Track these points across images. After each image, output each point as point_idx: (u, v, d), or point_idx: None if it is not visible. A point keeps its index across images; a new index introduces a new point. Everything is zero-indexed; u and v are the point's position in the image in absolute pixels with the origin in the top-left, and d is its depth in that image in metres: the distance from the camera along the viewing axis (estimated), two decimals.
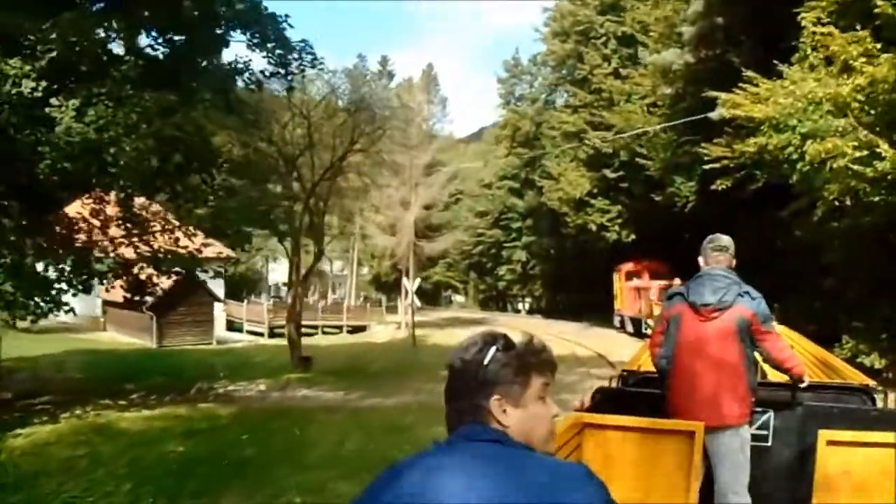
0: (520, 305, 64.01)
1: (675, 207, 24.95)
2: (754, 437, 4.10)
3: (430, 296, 77.37)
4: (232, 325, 43.00)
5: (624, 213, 33.36)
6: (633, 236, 33.58)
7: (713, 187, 21.28)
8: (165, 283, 36.59)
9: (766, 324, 4.04)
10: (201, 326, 37.20)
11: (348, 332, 44.23)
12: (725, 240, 4.25)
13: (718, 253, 4.19)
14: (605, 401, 4.49)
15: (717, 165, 20.27)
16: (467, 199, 65.23)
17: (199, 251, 16.85)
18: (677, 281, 19.30)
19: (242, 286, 67.10)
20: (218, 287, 43.08)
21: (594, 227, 34.09)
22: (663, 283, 25.28)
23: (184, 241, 16.70)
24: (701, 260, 4.24)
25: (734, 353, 3.99)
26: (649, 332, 23.11)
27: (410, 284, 28.37)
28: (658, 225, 31.80)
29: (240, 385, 17.41)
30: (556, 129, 35.82)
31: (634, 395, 4.60)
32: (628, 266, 32.40)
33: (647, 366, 4.68)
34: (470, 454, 1.46)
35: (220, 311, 43.18)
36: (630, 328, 31.15)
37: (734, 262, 4.22)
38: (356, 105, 23.83)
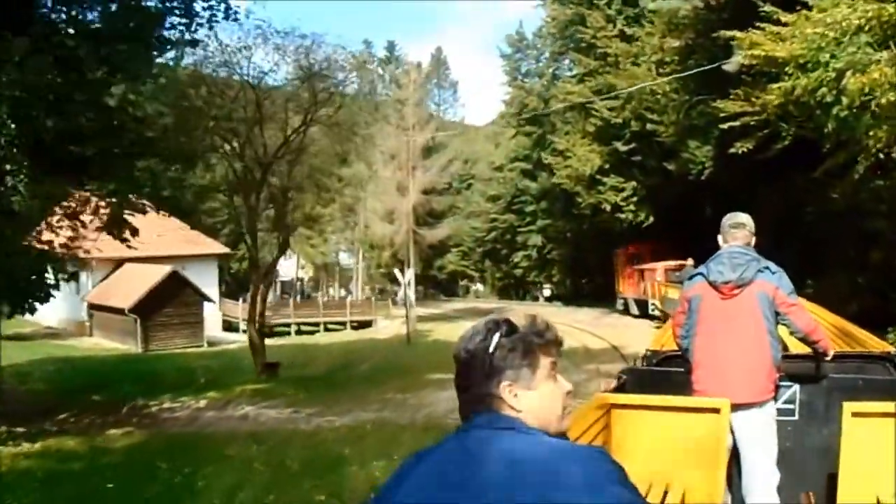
0: (543, 292, 61.17)
1: (690, 176, 22.13)
2: (780, 412, 4.14)
3: (446, 286, 74.93)
4: (230, 325, 40.81)
5: (639, 189, 30.51)
6: (651, 217, 30.73)
7: (732, 150, 18.46)
8: (149, 282, 34.83)
9: (790, 295, 4.00)
10: (190, 328, 35.01)
11: (353, 327, 41.88)
12: (743, 217, 4.23)
13: (737, 230, 4.17)
14: (631, 381, 4.57)
15: (735, 124, 17.45)
16: (479, 184, 62.59)
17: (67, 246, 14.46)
18: (690, 261, 20.09)
19: (248, 282, 65.14)
20: (212, 286, 41.02)
21: (608, 208, 31.25)
22: (672, 263, 25.06)
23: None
24: (720, 238, 4.22)
25: (757, 329, 3.99)
26: (656, 312, 24.87)
27: (404, 276, 25.76)
28: (675, 199, 29.09)
29: (180, 401, 15.00)
30: (562, 102, 32.96)
31: (660, 375, 4.65)
32: (629, 249, 32.59)
33: (672, 345, 4.72)
34: (483, 442, 1.45)
35: (214, 311, 41.08)
36: (634, 310, 30.85)
37: (754, 239, 4.18)
38: (307, 72, 20.81)
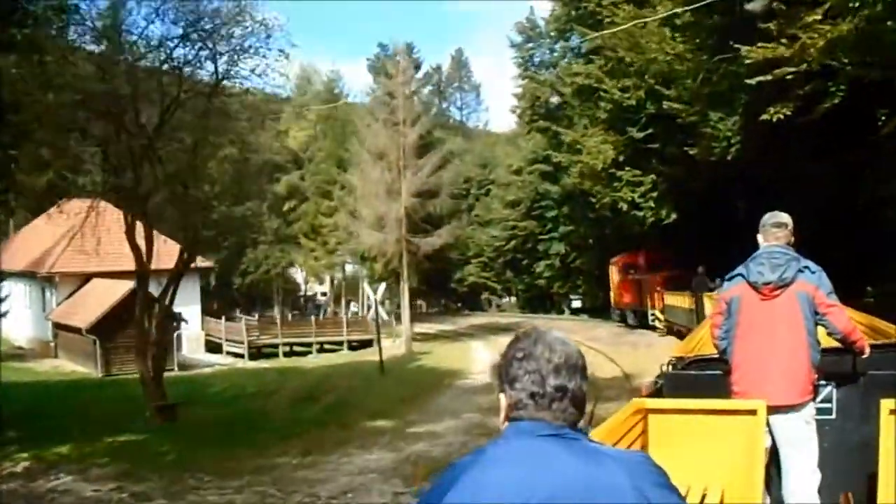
0: (572, 304, 56.49)
1: (713, 156, 17.80)
2: (818, 411, 4.09)
3: (467, 299, 70.60)
4: (215, 346, 37.20)
5: (659, 182, 26.10)
6: (672, 215, 26.30)
7: (764, 117, 14.09)
8: (111, 300, 31.41)
9: (829, 296, 3.98)
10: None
11: (351, 347, 37.93)
12: (785, 216, 4.19)
13: (777, 230, 4.13)
14: (666, 385, 4.54)
15: (766, 78, 13.11)
16: (498, 189, 58.45)
17: None
18: (701, 269, 20.68)
19: (254, 298, 61.70)
20: (193, 303, 37.47)
21: (624, 206, 26.88)
22: (673, 272, 25.37)
23: None
24: (760, 237, 4.18)
25: (797, 330, 3.96)
26: (657, 323, 25.36)
27: (375, 293, 21.73)
28: (701, 193, 24.71)
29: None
30: (569, 85, 28.71)
31: (695, 378, 4.57)
32: (625, 258, 32.15)
33: (701, 349, 4.98)
34: (527, 447, 1.47)
35: (196, 331, 37.51)
36: (631, 320, 30.48)
37: (793, 238, 4.15)
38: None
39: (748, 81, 13.42)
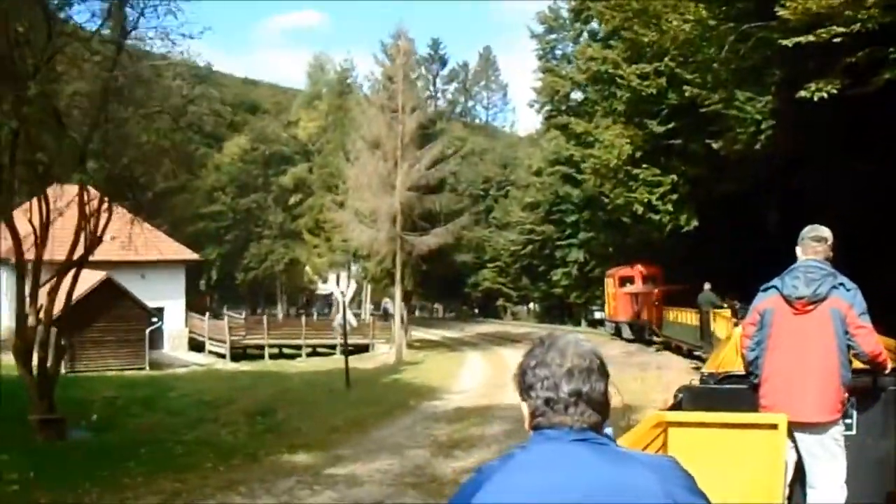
0: (595, 315, 53.24)
1: (738, 144, 14.85)
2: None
3: (485, 306, 67.67)
4: (200, 345, 34.75)
5: (680, 184, 23.07)
6: (693, 221, 23.31)
7: (802, 94, 11.15)
8: (76, 292, 29.13)
9: (861, 316, 3.92)
10: (129, 346, 28.98)
11: (344, 352, 35.26)
12: (825, 231, 4.12)
13: (816, 244, 4.07)
14: (688, 399, 4.52)
15: (807, 39, 10.20)
16: (516, 191, 55.64)
17: None
18: (707, 285, 20.86)
19: (256, 295, 59.33)
20: (176, 297, 35.12)
21: (640, 209, 23.89)
22: (671, 287, 25.62)
23: None
24: (798, 250, 4.13)
25: (828, 347, 3.91)
26: (655, 338, 25.54)
27: (344, 295, 19.00)
28: (726, 195, 21.69)
29: None
30: (585, 73, 25.79)
31: (716, 392, 4.57)
32: (621, 271, 32.24)
33: (727, 366, 4.87)
34: (554, 452, 1.50)
35: (180, 328, 35.16)
36: (627, 334, 30.18)
37: (832, 253, 4.08)
38: None
39: (783, 43, 10.45)
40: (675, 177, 23.12)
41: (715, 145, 17.71)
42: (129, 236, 19.03)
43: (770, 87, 13.20)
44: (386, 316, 60.23)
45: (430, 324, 57.36)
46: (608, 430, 1.57)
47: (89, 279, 28.21)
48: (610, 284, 33.39)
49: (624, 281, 31.38)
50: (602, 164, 24.27)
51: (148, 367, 29.16)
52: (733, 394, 4.34)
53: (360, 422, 13.90)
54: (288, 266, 50.87)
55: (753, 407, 4.08)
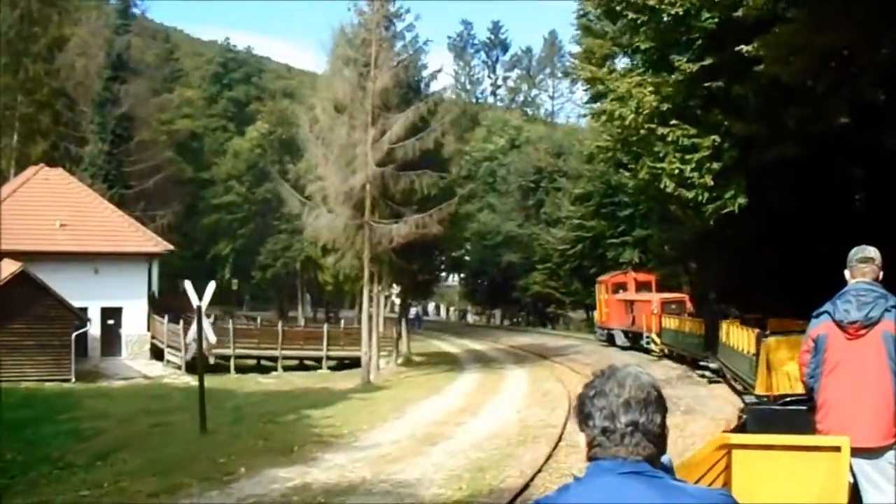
0: None
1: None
2: None
3: (542, 312, 60.85)
4: (160, 352, 29.70)
5: (723, 147, 16.30)
6: (741, 199, 16.56)
7: None
8: None
9: None
10: (52, 353, 24.02)
11: (331, 367, 29.63)
12: (872, 251, 4.10)
13: (865, 265, 4.05)
14: (751, 420, 4.58)
15: None
16: (566, 182, 48.96)
17: None
18: (713, 295, 24.71)
19: (283, 294, 54.31)
20: (137, 296, 30.17)
21: (668, 185, 17.28)
22: (668, 296, 27.64)
23: None
24: (847, 273, 4.09)
25: (883, 371, 3.91)
26: (652, 346, 26.92)
27: (204, 293, 13.23)
28: (793, 162, 15.04)
29: None
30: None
31: (779, 413, 4.62)
32: (614, 278, 33.15)
33: (785, 387, 5.44)
34: (608, 485, 1.50)
35: (141, 332, 30.21)
36: (620, 341, 30.08)
37: (881, 273, 4.07)
38: None
39: None
40: (716, 137, 16.32)
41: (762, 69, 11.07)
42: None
43: None
44: (418, 320, 54.50)
45: (463, 332, 51.26)
46: (665, 458, 1.59)
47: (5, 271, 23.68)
48: (601, 290, 33.57)
49: (616, 288, 31.89)
50: (618, 122, 17.66)
51: (74, 379, 24.22)
52: (797, 415, 4.35)
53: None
54: (305, 263, 45.59)
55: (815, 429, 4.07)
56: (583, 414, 1.59)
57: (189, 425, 14.68)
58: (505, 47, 77.36)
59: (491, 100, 79.06)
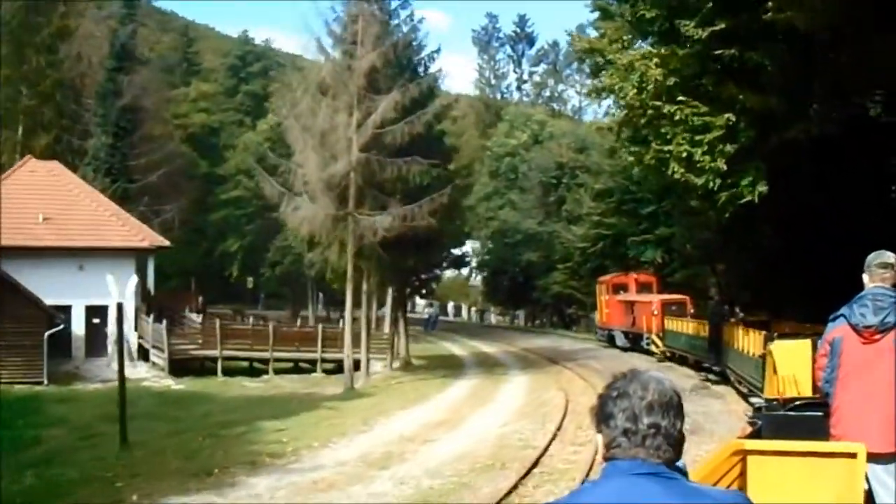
0: None
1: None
2: None
3: (553, 312, 58.71)
4: (146, 353, 28.20)
5: (739, 127, 14.21)
6: (761, 187, 14.46)
7: None
8: None
9: None
10: (23, 354, 22.63)
11: (327, 371, 27.86)
12: (891, 256, 4.04)
13: (884, 270, 4.00)
14: (765, 426, 4.58)
15: None
16: (588, 177, 46.84)
17: None
18: (717, 297, 23.86)
19: (297, 293, 52.76)
20: (124, 294, 28.63)
21: (677, 169, 15.25)
22: (669, 297, 27.46)
23: None
24: (865, 277, 4.04)
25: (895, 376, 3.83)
26: (653, 347, 26.50)
27: (126, 288, 11.58)
28: (821, 144, 12.96)
29: None
30: None
31: (795, 419, 4.62)
32: (614, 278, 33.14)
33: (793, 391, 5.15)
34: (624, 486, 1.48)
35: (128, 331, 28.69)
36: (621, 342, 29.78)
37: None
38: None
39: None
40: (730, 115, 14.22)
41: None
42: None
43: None
44: (434, 321, 52.62)
45: (479, 333, 49.34)
46: (680, 463, 1.56)
47: None
48: (602, 291, 33.30)
49: (617, 288, 31.67)
50: (621, 98, 15.63)
51: (47, 381, 22.81)
52: (813, 421, 4.30)
53: None
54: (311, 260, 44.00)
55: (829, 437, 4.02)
56: (604, 414, 1.56)
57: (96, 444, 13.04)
58: (531, 41, 75.23)
59: (516, 95, 76.99)
